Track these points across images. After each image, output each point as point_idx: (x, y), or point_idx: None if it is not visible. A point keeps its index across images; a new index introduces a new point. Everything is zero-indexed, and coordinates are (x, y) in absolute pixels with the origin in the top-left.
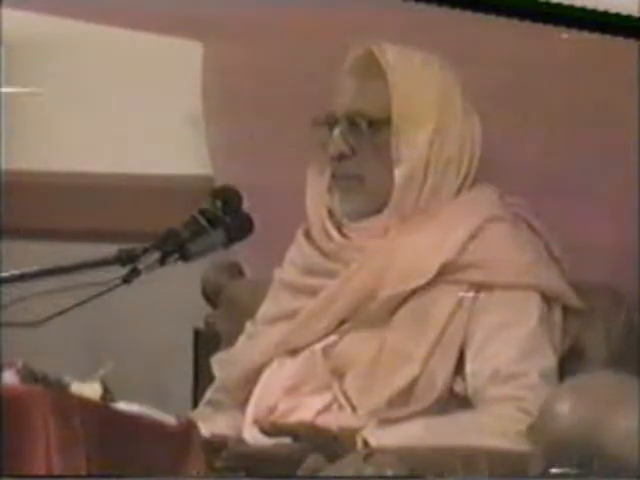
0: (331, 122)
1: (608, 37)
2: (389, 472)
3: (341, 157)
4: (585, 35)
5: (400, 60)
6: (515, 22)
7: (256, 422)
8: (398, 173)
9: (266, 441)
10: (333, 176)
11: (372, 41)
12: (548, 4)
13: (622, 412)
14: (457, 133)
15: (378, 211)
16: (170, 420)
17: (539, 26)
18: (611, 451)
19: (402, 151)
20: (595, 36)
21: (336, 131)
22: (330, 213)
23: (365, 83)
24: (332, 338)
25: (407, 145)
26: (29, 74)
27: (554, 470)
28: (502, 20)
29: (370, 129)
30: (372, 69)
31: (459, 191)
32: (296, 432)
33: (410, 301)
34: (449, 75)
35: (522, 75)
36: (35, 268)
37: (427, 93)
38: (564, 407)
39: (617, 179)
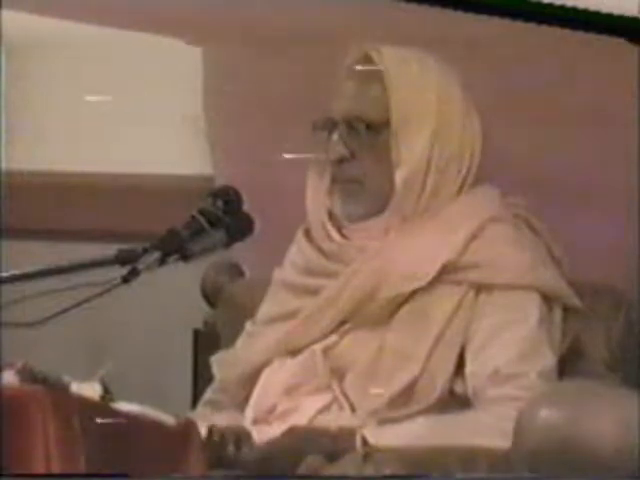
0: (330, 126)
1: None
2: (388, 472)
3: (341, 161)
4: (585, 35)
5: (398, 63)
6: (515, 22)
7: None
8: (398, 175)
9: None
10: (333, 179)
11: (370, 44)
12: (551, 6)
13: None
14: (457, 134)
15: (379, 213)
16: (170, 420)
17: (539, 26)
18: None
19: (402, 153)
20: (595, 36)
21: (335, 135)
22: (330, 214)
23: (363, 86)
24: (332, 338)
25: (406, 147)
26: (29, 75)
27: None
28: (502, 20)
29: (369, 132)
30: (370, 72)
31: (459, 192)
32: (288, 439)
33: (410, 301)
34: (448, 76)
35: (522, 75)
36: (35, 268)
37: (426, 95)
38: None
39: (617, 179)
